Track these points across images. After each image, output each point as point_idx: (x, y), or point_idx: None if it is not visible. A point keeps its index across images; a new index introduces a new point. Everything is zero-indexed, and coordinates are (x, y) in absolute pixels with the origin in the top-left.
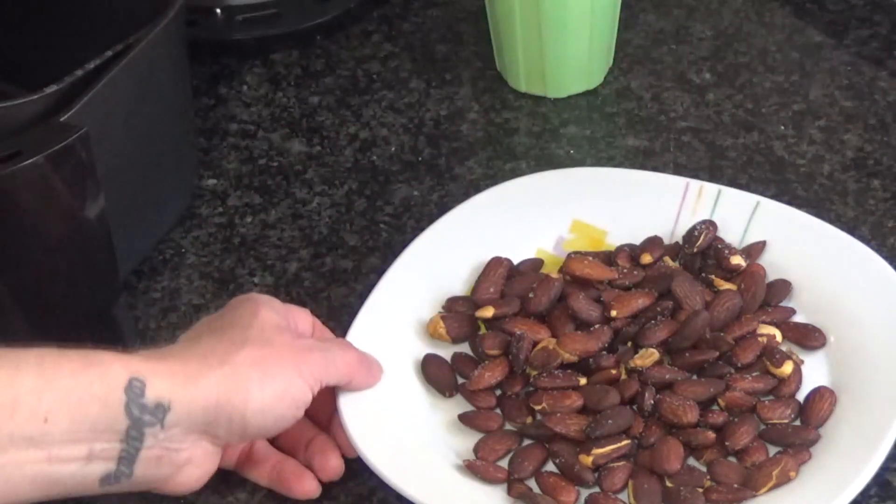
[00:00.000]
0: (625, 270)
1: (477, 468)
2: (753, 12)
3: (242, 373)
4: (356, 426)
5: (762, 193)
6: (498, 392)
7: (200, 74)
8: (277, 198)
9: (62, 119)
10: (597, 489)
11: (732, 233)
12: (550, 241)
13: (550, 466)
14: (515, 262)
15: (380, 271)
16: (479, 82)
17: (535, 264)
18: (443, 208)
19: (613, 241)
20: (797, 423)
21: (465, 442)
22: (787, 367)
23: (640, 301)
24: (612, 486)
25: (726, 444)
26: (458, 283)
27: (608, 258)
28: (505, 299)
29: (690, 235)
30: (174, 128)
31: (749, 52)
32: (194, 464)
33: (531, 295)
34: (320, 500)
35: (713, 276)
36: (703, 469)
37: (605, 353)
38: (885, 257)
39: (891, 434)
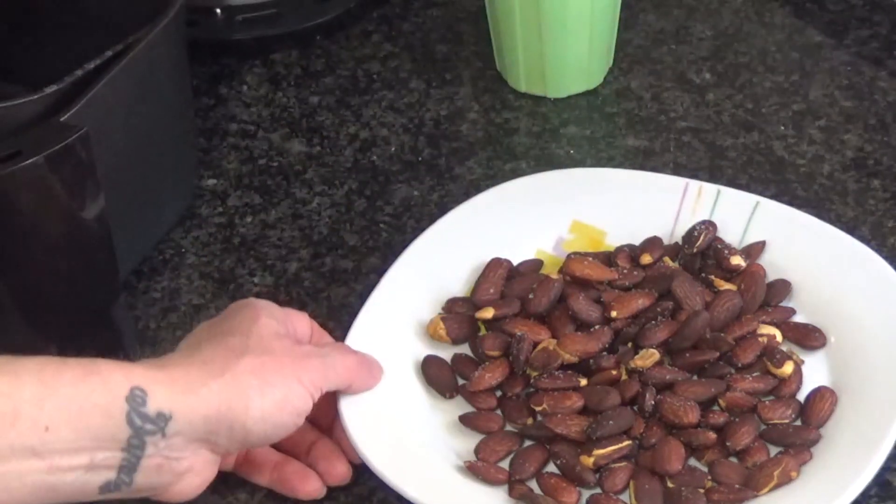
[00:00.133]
0: (625, 271)
1: (478, 469)
2: (753, 12)
3: (243, 381)
4: (357, 427)
5: (762, 193)
6: (498, 393)
7: (200, 74)
8: (277, 198)
9: (62, 119)
10: (598, 490)
11: (732, 233)
12: (550, 241)
13: (551, 467)
14: (515, 262)
15: (380, 271)
16: (479, 82)
17: (535, 265)
18: (443, 208)
19: (613, 241)
20: (798, 423)
21: (466, 443)
22: (788, 368)
23: (640, 301)
24: (614, 487)
25: (727, 444)
26: (458, 283)
27: (608, 259)
28: (505, 300)
29: (690, 236)
30: (174, 128)
31: (749, 52)
32: (194, 472)
33: (531, 296)
34: (320, 500)
35: (713, 277)
36: (705, 469)
37: (605, 353)
38: (885, 257)
39: (891, 434)
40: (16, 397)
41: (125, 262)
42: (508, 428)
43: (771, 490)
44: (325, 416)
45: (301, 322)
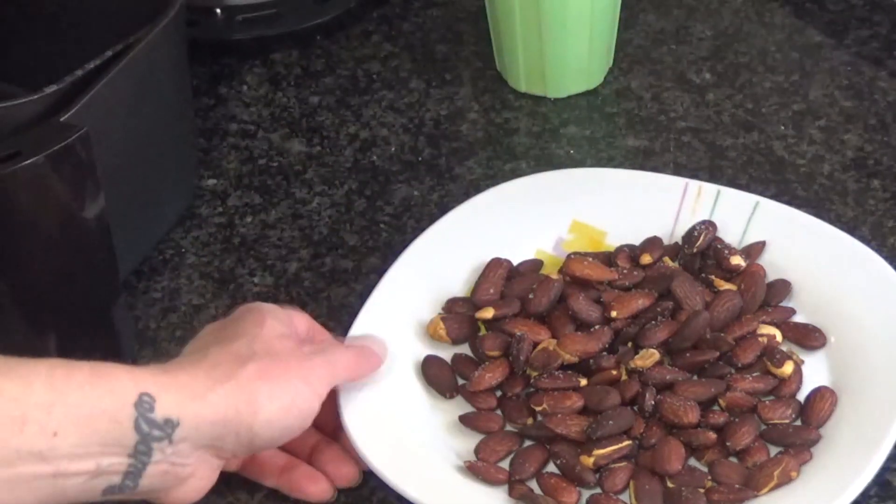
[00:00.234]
0: (625, 271)
1: (478, 469)
2: (753, 12)
3: (250, 386)
4: (357, 427)
5: (762, 193)
6: (498, 393)
7: (200, 74)
8: (277, 198)
9: (62, 119)
10: (598, 490)
11: (732, 233)
12: (550, 241)
13: (551, 467)
14: (515, 262)
15: (380, 271)
16: (479, 82)
17: (535, 265)
18: (443, 208)
19: (613, 241)
20: (798, 423)
21: (466, 443)
22: (788, 368)
23: (640, 301)
24: (614, 487)
25: (727, 444)
26: (458, 283)
27: (608, 259)
28: (505, 300)
29: (690, 236)
30: (174, 128)
31: (749, 52)
32: (197, 477)
33: (531, 296)
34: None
35: (713, 277)
36: (705, 469)
37: (605, 353)
38: (885, 257)
39: (891, 434)
40: (25, 402)
41: (125, 262)
42: (508, 428)
43: (771, 490)
44: (328, 419)
45: (301, 321)
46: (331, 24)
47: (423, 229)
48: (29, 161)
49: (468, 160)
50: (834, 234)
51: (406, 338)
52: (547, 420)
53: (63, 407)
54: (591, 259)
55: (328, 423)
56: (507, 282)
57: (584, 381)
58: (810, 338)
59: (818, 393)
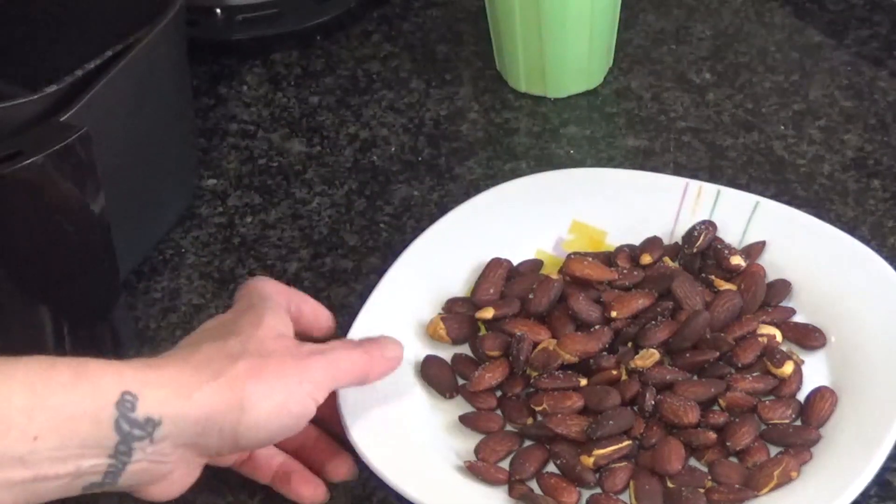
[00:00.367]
0: (625, 271)
1: (478, 469)
2: (753, 12)
3: (239, 385)
4: (357, 427)
5: (762, 193)
6: (498, 393)
7: (200, 74)
8: (277, 198)
9: (62, 119)
10: (598, 490)
11: (732, 233)
12: (550, 241)
13: (551, 467)
14: (515, 262)
15: (380, 271)
16: (479, 82)
17: (535, 265)
18: (443, 208)
19: (613, 241)
20: (798, 423)
21: (466, 443)
22: (788, 368)
23: (640, 301)
24: (614, 487)
25: (727, 444)
26: (458, 283)
27: (608, 259)
28: (505, 300)
29: (690, 236)
30: (174, 128)
31: (749, 52)
32: (178, 473)
33: (531, 296)
34: None
35: (713, 277)
36: (705, 469)
37: (605, 353)
38: (885, 257)
39: (891, 434)
40: (5, 407)
41: (125, 262)
42: (508, 428)
43: (771, 490)
44: (326, 414)
45: (307, 307)
46: (331, 24)
47: (423, 229)
48: (29, 161)
49: (468, 160)
50: (834, 234)
51: (406, 338)
52: (547, 420)
53: (43, 410)
54: (591, 259)
55: (326, 419)
56: (507, 282)
57: (584, 381)
58: (810, 338)
59: (818, 393)
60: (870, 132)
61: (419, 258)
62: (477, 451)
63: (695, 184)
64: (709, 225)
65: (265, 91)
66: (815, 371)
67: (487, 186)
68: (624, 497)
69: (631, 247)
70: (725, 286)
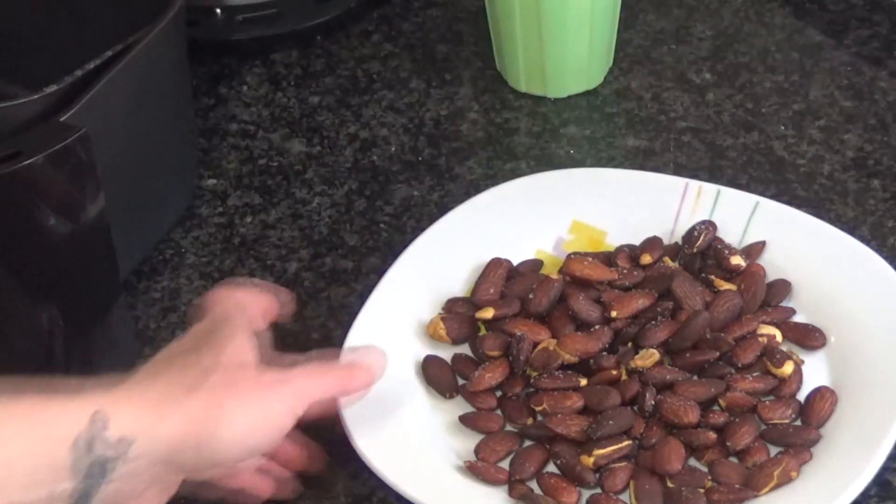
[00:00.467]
0: (625, 271)
1: (478, 469)
2: (753, 12)
3: (214, 401)
4: (357, 427)
5: (762, 193)
6: (498, 393)
7: (200, 74)
8: (277, 198)
9: (62, 119)
10: (598, 490)
11: (732, 233)
12: (550, 241)
13: (551, 467)
14: (515, 262)
15: (380, 271)
16: (479, 82)
17: (535, 265)
18: (443, 208)
19: (613, 241)
20: (798, 423)
21: (466, 443)
22: (788, 368)
23: (640, 301)
24: (614, 487)
25: (727, 444)
26: (458, 283)
27: (608, 259)
28: (505, 300)
29: (690, 236)
30: (174, 128)
31: (749, 52)
32: (152, 492)
33: (531, 296)
34: (320, 499)
35: (713, 277)
36: (705, 469)
37: (605, 353)
38: (885, 257)
39: (891, 434)
40: None
41: (125, 262)
42: (508, 428)
43: (771, 490)
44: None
45: (263, 307)
46: (331, 24)
47: (423, 229)
48: (29, 161)
49: (468, 160)
50: (834, 234)
51: (406, 338)
52: (547, 420)
53: (15, 440)
54: (591, 259)
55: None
56: (507, 282)
57: (584, 381)
58: (810, 338)
59: (818, 393)
60: (870, 132)
61: (419, 258)
62: (477, 451)
63: (695, 184)
64: (709, 225)
65: (265, 91)
66: (815, 371)
67: (487, 186)
68: (624, 497)
69: (631, 247)
70: (725, 286)
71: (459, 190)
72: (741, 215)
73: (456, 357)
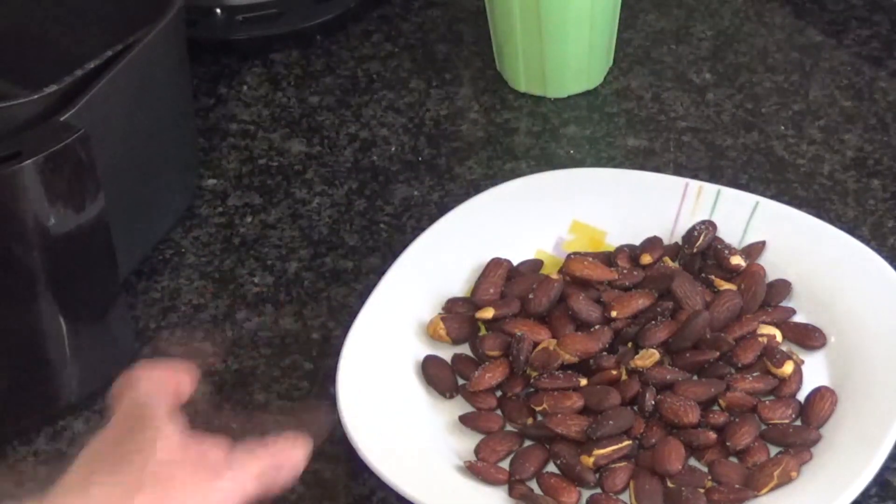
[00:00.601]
0: (625, 271)
1: (478, 469)
2: (753, 12)
3: None
4: (357, 427)
5: (762, 193)
6: (498, 393)
7: (200, 74)
8: (277, 198)
9: (62, 119)
10: (598, 490)
11: (732, 233)
12: (550, 241)
13: (551, 467)
14: (515, 262)
15: (380, 271)
16: (479, 82)
17: (535, 265)
18: (443, 208)
19: (613, 241)
20: (798, 423)
21: (466, 443)
22: (788, 368)
23: (640, 301)
24: (614, 487)
25: (727, 444)
26: (458, 283)
27: (608, 259)
28: (505, 300)
29: (690, 236)
30: (174, 128)
31: (749, 52)
32: None
33: (531, 296)
34: (320, 499)
35: (713, 277)
36: (705, 469)
37: (605, 353)
38: (885, 257)
39: (891, 434)
40: None
41: (125, 262)
42: (508, 428)
43: (771, 490)
44: None
45: (178, 381)
46: (331, 24)
47: (423, 229)
48: (29, 161)
49: (468, 160)
50: (834, 234)
51: (406, 338)
52: (547, 420)
53: None
54: (591, 259)
55: None
56: (507, 282)
57: (584, 381)
58: (810, 338)
59: (818, 393)
60: (870, 132)
61: (419, 258)
62: (477, 451)
63: (695, 184)
64: (709, 225)
65: (265, 91)
66: (815, 371)
67: (487, 186)
68: (624, 497)
69: (631, 247)
70: (725, 286)
71: (459, 190)
72: (741, 215)
73: (456, 357)
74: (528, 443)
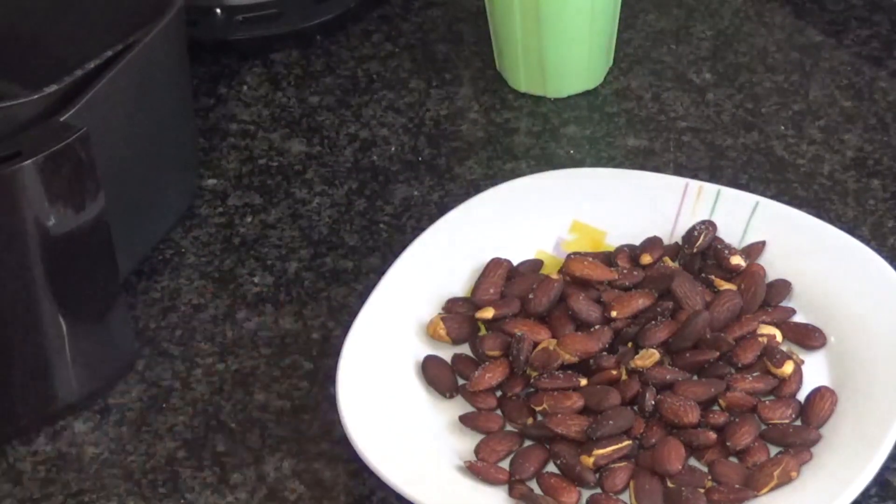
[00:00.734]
0: (625, 271)
1: (478, 469)
2: (753, 12)
3: None
4: (357, 427)
5: (762, 193)
6: (498, 393)
7: (200, 74)
8: (277, 198)
9: (62, 119)
10: (598, 490)
11: (732, 233)
12: (550, 241)
13: (551, 467)
14: (515, 262)
15: (380, 271)
16: (479, 82)
17: (535, 265)
18: (443, 208)
19: (613, 241)
20: (798, 423)
21: (466, 443)
22: (788, 367)
23: (640, 301)
24: (614, 487)
25: (727, 444)
26: (458, 283)
27: (608, 259)
28: (505, 300)
29: (690, 236)
30: (174, 128)
31: (749, 52)
32: None
33: (531, 296)
34: (320, 499)
35: (713, 277)
36: (705, 469)
37: (605, 353)
38: (885, 257)
39: (891, 434)
40: None
41: (125, 262)
42: (508, 428)
43: (771, 490)
44: None
45: None
46: (331, 24)
47: (423, 229)
48: (29, 161)
49: (468, 160)
50: (834, 234)
51: (406, 338)
52: (547, 420)
53: None
54: (591, 259)
55: None
56: (507, 282)
57: (584, 381)
58: (810, 338)
59: (818, 393)
60: (870, 132)
61: (419, 258)
62: (477, 451)
63: (695, 184)
64: (709, 225)
65: (265, 91)
66: (815, 371)
67: (487, 186)
68: (624, 497)
69: (631, 247)
70: (725, 286)
71: (459, 190)
72: (741, 215)
73: (456, 357)
74: (528, 443)
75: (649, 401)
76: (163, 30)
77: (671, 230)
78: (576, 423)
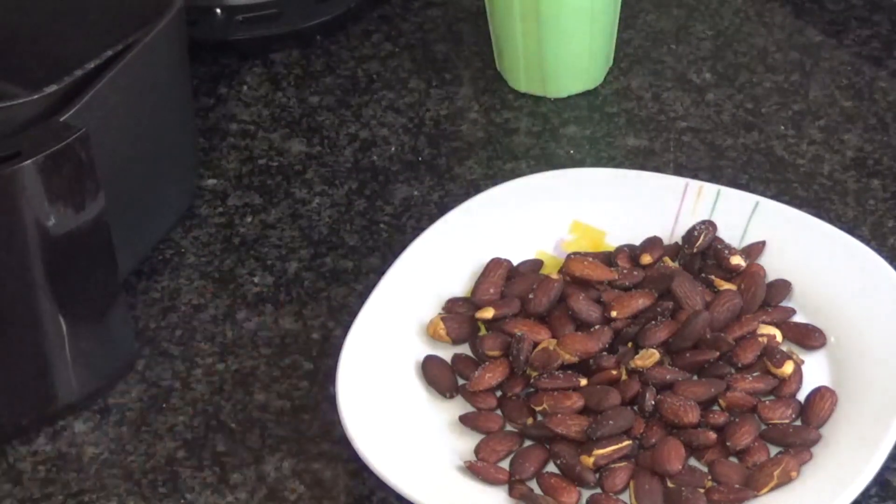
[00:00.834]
0: (625, 271)
1: (478, 469)
2: (753, 12)
3: None
4: (357, 427)
5: (762, 193)
6: (498, 393)
7: (200, 74)
8: (277, 198)
9: (62, 119)
10: (598, 490)
11: (732, 233)
12: (550, 242)
13: (551, 467)
14: (515, 262)
15: (380, 271)
16: (479, 82)
17: (535, 265)
18: (443, 208)
19: (613, 241)
20: (798, 423)
21: (466, 443)
22: (788, 368)
23: (640, 301)
24: (614, 487)
25: (727, 444)
26: (458, 283)
27: (608, 259)
28: (505, 300)
29: (690, 236)
30: (174, 128)
31: (749, 52)
32: None
33: (531, 296)
34: (320, 499)
35: (713, 277)
36: (705, 469)
37: (605, 353)
38: (885, 257)
39: (891, 434)
40: None
41: (125, 262)
42: (508, 428)
43: (771, 490)
44: None
45: None
46: (331, 24)
47: (423, 229)
48: (29, 161)
49: (468, 160)
50: (834, 234)
51: (406, 338)
52: (547, 420)
53: None
54: (591, 259)
55: None
56: (507, 282)
57: (584, 381)
58: (810, 338)
59: (818, 393)
60: (870, 132)
61: (419, 258)
62: (477, 451)
63: (695, 184)
64: (709, 225)
65: (265, 91)
66: (815, 371)
67: (487, 186)
68: (624, 497)
69: (631, 247)
70: (725, 286)
71: (459, 190)
72: (741, 215)
73: (456, 357)
74: (528, 443)
75: (649, 401)
76: (163, 30)
77: (671, 230)
78: (576, 423)
